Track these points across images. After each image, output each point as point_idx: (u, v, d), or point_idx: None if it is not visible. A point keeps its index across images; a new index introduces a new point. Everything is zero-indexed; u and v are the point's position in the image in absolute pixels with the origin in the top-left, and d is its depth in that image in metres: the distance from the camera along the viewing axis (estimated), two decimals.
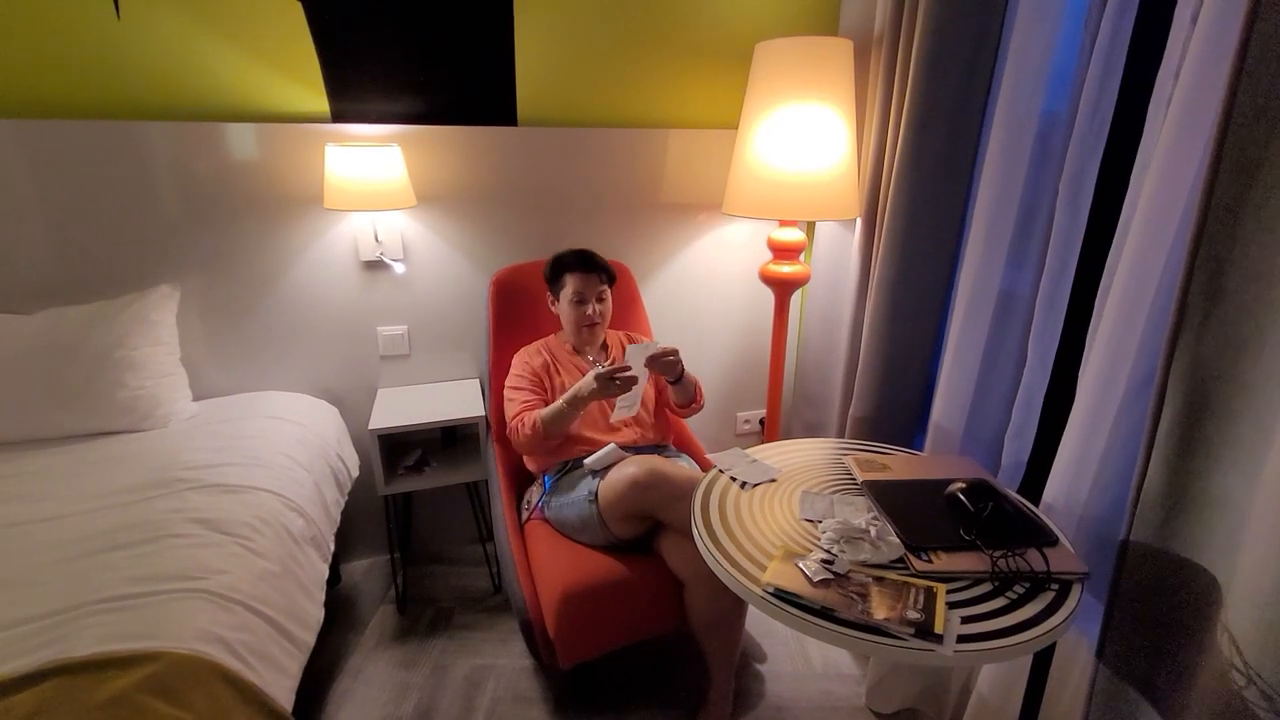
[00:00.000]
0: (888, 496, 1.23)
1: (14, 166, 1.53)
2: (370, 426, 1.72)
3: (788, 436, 2.31)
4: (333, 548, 1.51)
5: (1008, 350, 1.45)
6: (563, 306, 1.67)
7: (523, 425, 1.55)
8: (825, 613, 0.96)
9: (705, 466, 1.58)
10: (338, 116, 1.72)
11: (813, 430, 2.22)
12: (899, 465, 1.38)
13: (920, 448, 1.64)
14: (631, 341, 1.79)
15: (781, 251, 1.82)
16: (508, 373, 1.71)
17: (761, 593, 1.00)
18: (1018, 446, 1.39)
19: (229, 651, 0.99)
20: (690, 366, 1.65)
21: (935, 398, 1.56)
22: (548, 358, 1.68)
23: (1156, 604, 0.98)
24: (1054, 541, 1.10)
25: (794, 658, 1.72)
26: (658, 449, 1.69)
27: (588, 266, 1.64)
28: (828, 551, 1.08)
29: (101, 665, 0.88)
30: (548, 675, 1.65)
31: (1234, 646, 0.83)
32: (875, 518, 1.16)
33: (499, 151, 1.85)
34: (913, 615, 0.93)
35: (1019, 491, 1.34)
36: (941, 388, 1.53)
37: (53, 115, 1.55)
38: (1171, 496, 0.94)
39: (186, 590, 1.04)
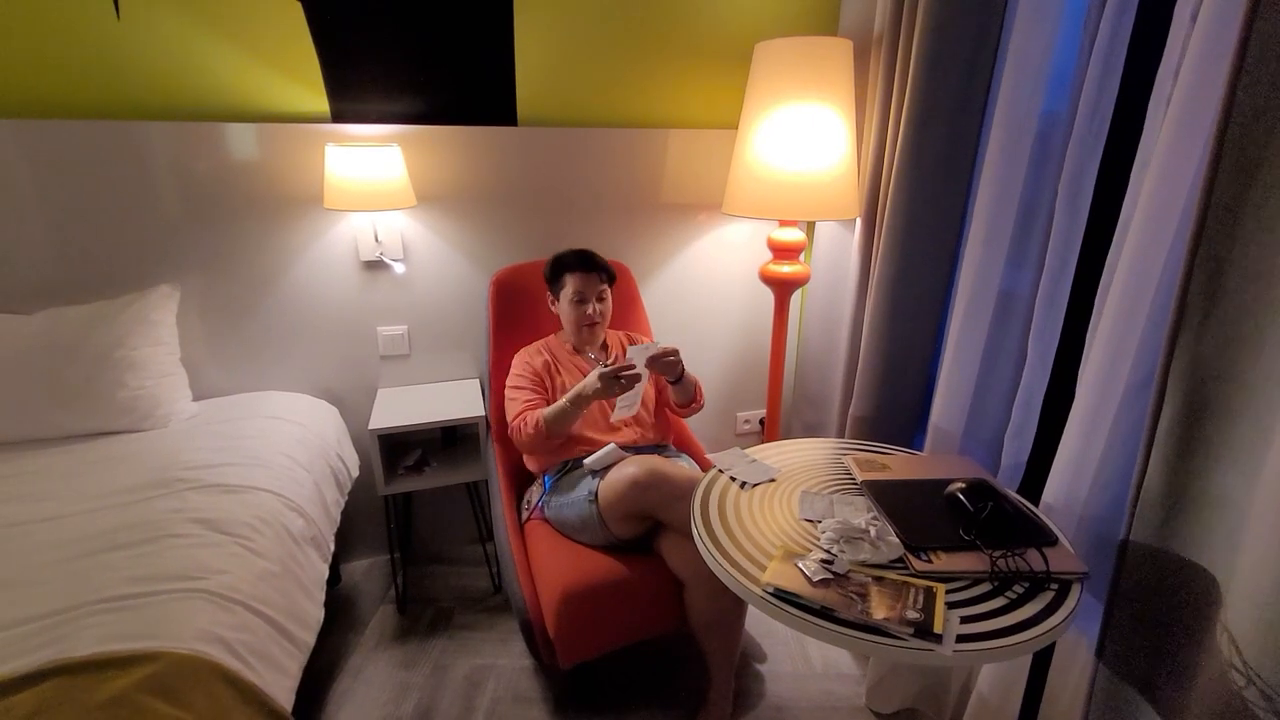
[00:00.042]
0: (887, 496, 1.23)
1: (14, 166, 1.53)
2: (370, 426, 1.72)
3: (788, 436, 2.31)
4: (333, 548, 1.51)
5: (1007, 350, 1.45)
6: (563, 306, 1.67)
7: (525, 424, 1.54)
8: (825, 612, 0.96)
9: (705, 466, 1.58)
10: (338, 116, 1.72)
11: (813, 430, 2.22)
12: (899, 465, 1.38)
13: (920, 447, 1.64)
14: (631, 342, 1.79)
15: (781, 251, 1.82)
16: (508, 373, 1.71)
17: (761, 593, 1.00)
18: (1017, 446, 1.39)
19: (229, 651, 0.99)
20: (690, 366, 1.65)
21: (935, 397, 1.56)
22: (548, 358, 1.68)
23: (1156, 604, 0.98)
24: (1053, 541, 1.10)
25: (794, 658, 1.72)
26: (658, 449, 1.69)
27: (588, 266, 1.64)
28: (827, 551, 1.08)
29: (101, 665, 0.88)
30: (548, 675, 1.65)
31: (1233, 646, 0.83)
32: (875, 518, 1.16)
33: (499, 151, 1.85)
34: (912, 615, 0.93)
35: (1019, 491, 1.34)
36: (941, 387, 1.53)
37: (53, 115, 1.55)
38: (1171, 496, 0.94)
39: (186, 590, 1.04)
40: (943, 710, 1.51)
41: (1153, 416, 0.94)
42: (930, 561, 1.06)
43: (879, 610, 0.95)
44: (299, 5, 1.61)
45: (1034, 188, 1.35)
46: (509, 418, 1.61)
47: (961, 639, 0.91)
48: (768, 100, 1.60)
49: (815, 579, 1.01)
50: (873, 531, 1.10)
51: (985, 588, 1.02)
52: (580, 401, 1.50)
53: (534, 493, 1.65)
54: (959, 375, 1.49)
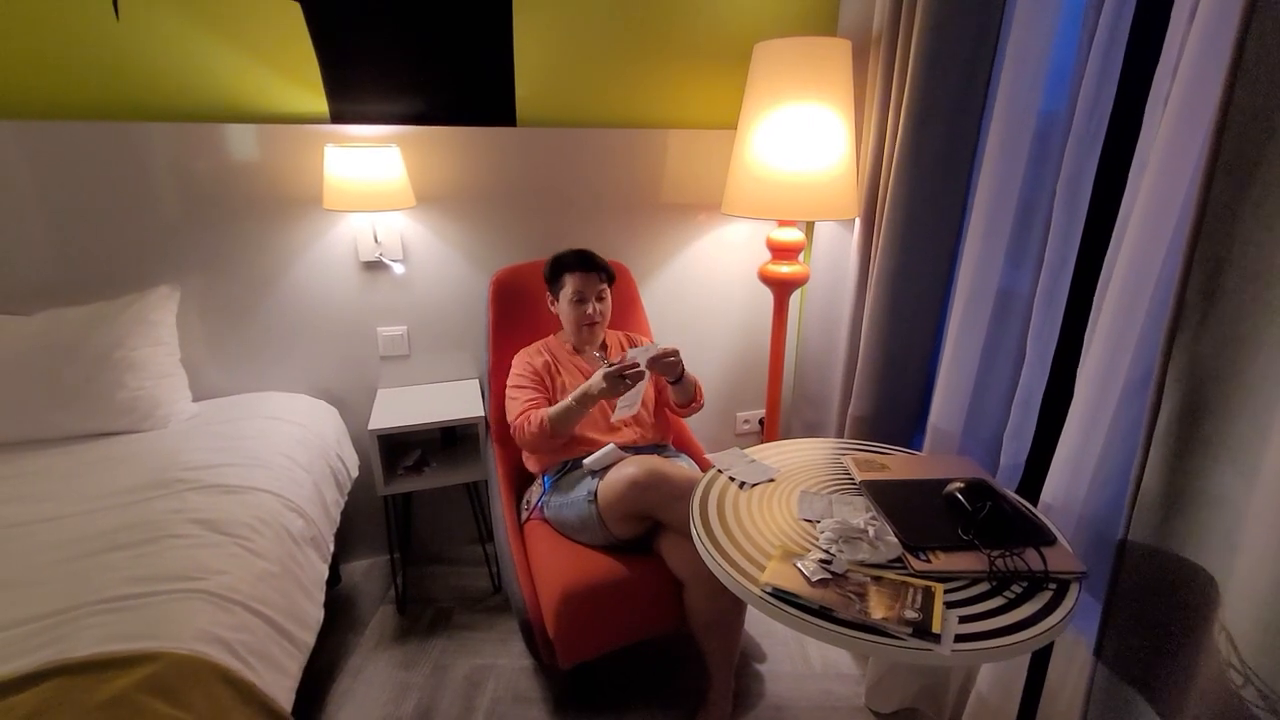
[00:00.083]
0: (886, 496, 1.23)
1: (14, 167, 1.54)
2: (370, 427, 1.72)
3: (787, 436, 2.31)
4: (332, 548, 1.51)
5: (1006, 349, 1.45)
6: (562, 306, 1.67)
7: (529, 423, 1.54)
8: (823, 612, 0.96)
9: (704, 466, 1.58)
10: (337, 117, 1.72)
11: (812, 430, 2.22)
12: (897, 465, 1.38)
13: (919, 447, 1.64)
14: (631, 342, 1.80)
15: (780, 251, 1.82)
16: (507, 373, 1.71)
17: (760, 592, 1.00)
18: (1016, 446, 1.39)
19: (228, 652, 0.99)
20: (690, 366, 1.65)
21: (934, 397, 1.56)
22: (548, 358, 1.69)
23: (1154, 603, 0.98)
24: (1052, 541, 1.10)
25: (793, 657, 1.73)
26: (657, 449, 1.69)
27: (587, 266, 1.64)
28: (826, 551, 1.08)
29: (101, 665, 0.88)
30: (547, 675, 1.65)
31: (1231, 645, 0.83)
32: (873, 517, 1.16)
33: (498, 152, 1.85)
34: (910, 615, 0.93)
35: (1017, 491, 1.34)
36: (940, 387, 1.53)
37: (52, 116, 1.55)
38: (1169, 495, 0.94)
39: (186, 591, 1.04)
40: (942, 710, 1.51)
41: (1151, 416, 0.94)
42: (929, 561, 1.06)
43: (877, 610, 0.95)
44: (298, 6, 1.61)
45: (1033, 187, 1.35)
46: (511, 417, 1.61)
47: (960, 638, 0.91)
48: (767, 100, 1.61)
49: (814, 579, 1.01)
50: (871, 531, 1.10)
51: (984, 587, 1.02)
52: (586, 400, 1.50)
53: (533, 493, 1.65)
54: (958, 375, 1.49)
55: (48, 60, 1.52)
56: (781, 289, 1.87)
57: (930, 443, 1.58)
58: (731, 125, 1.91)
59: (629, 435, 1.66)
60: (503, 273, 1.84)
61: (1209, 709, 0.86)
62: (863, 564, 1.05)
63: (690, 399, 1.71)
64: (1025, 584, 1.02)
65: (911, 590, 0.99)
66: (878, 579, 1.02)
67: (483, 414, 1.81)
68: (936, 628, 0.91)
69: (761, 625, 1.82)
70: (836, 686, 1.64)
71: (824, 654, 1.73)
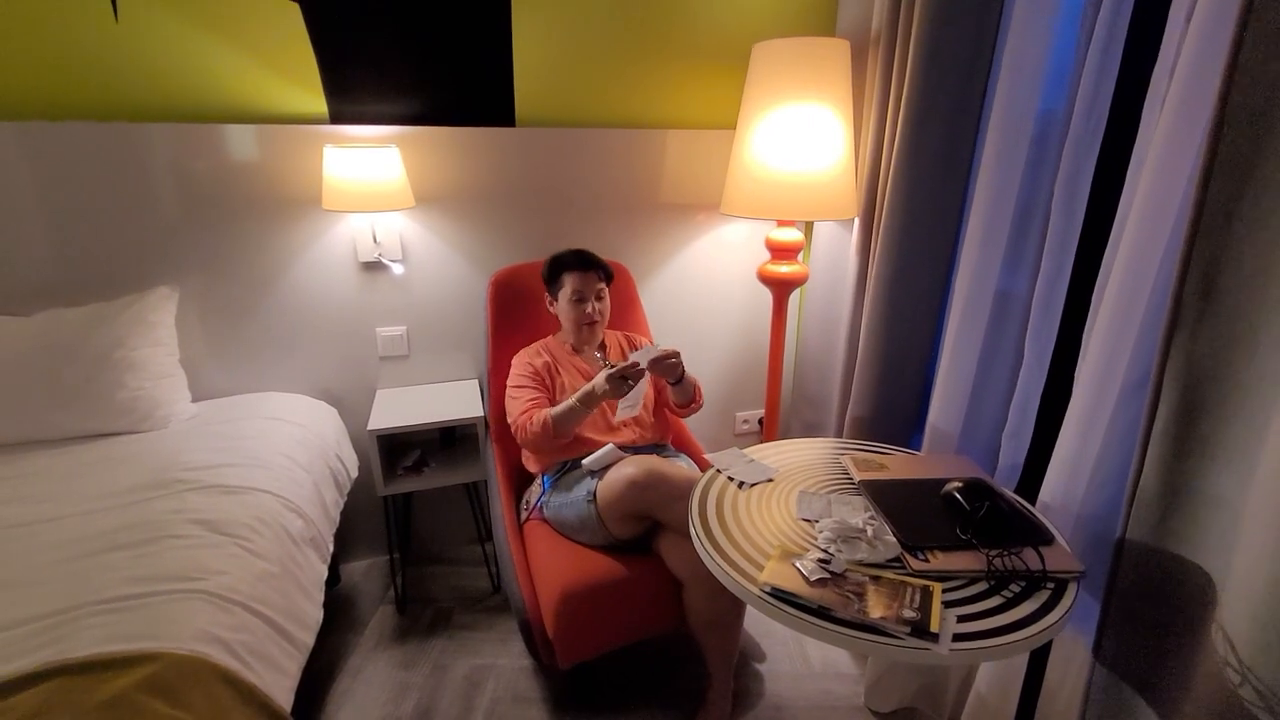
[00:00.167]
0: (885, 496, 1.23)
1: (13, 168, 1.54)
2: (369, 427, 1.72)
3: (786, 436, 2.31)
4: (332, 548, 1.51)
5: (1004, 350, 1.45)
6: (562, 306, 1.67)
7: (531, 422, 1.54)
8: (822, 612, 0.96)
9: (703, 466, 1.58)
10: (336, 118, 1.72)
11: (811, 430, 2.22)
12: (896, 465, 1.38)
13: (918, 447, 1.64)
14: (630, 342, 1.80)
15: (779, 251, 1.82)
16: (506, 373, 1.71)
17: (759, 592, 1.01)
18: (1014, 446, 1.39)
19: (228, 652, 0.99)
20: (689, 366, 1.65)
21: (932, 397, 1.56)
22: (548, 358, 1.69)
23: (1152, 602, 0.98)
24: (1050, 540, 1.10)
25: (793, 657, 1.73)
26: (656, 449, 1.69)
27: (586, 265, 1.64)
28: (825, 551, 1.08)
29: (101, 666, 0.88)
30: (547, 675, 1.65)
31: (1229, 644, 0.83)
32: (872, 517, 1.16)
33: (497, 152, 1.85)
34: (909, 614, 0.93)
35: (1016, 491, 1.34)
36: (939, 388, 1.54)
37: (52, 117, 1.55)
38: (1167, 495, 0.94)
39: (186, 591, 1.04)
40: (941, 709, 1.51)
41: (1149, 416, 0.95)
42: (927, 560, 1.06)
43: (876, 609, 0.95)
44: (296, 6, 1.61)
45: (1031, 188, 1.36)
46: (512, 416, 1.60)
47: (958, 638, 0.92)
48: (766, 100, 1.61)
49: (812, 578, 1.01)
50: (870, 531, 1.10)
51: (982, 586, 1.02)
52: (589, 401, 1.50)
53: (533, 493, 1.65)
54: (956, 375, 1.50)
55: (47, 61, 1.52)
56: (780, 289, 1.87)
57: (929, 442, 1.58)
58: (730, 125, 1.91)
59: (628, 435, 1.66)
60: (502, 273, 1.84)
61: (1206, 708, 0.86)
62: (861, 563, 1.06)
63: (690, 400, 1.71)
64: (1023, 583, 1.03)
65: (910, 589, 0.99)
66: (876, 578, 1.02)
67: (482, 414, 1.81)
68: (935, 627, 0.91)
69: (761, 625, 1.82)
70: (836, 686, 1.64)
71: (823, 653, 1.74)
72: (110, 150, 1.58)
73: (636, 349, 1.75)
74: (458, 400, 1.89)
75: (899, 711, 1.56)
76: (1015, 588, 1.02)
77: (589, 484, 1.49)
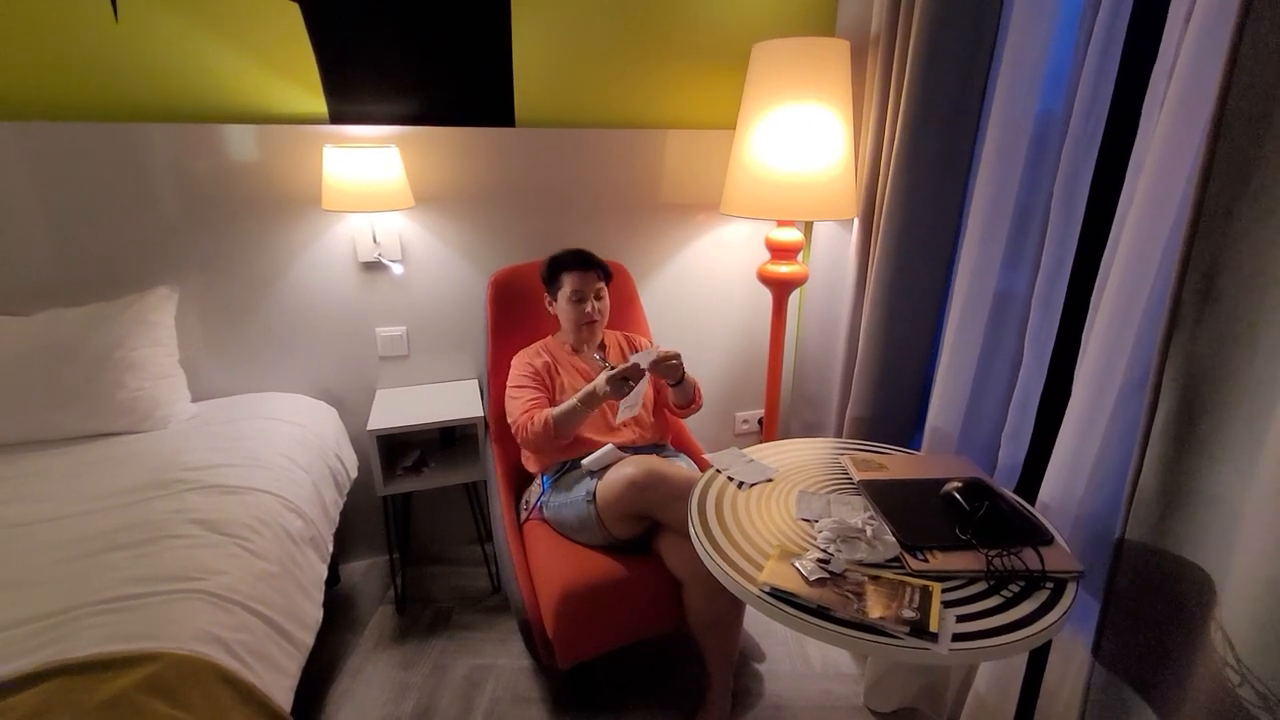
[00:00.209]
0: (884, 496, 1.23)
1: (13, 168, 1.54)
2: (369, 427, 1.72)
3: (786, 436, 2.31)
4: (331, 548, 1.51)
5: (1004, 350, 1.45)
6: (561, 305, 1.67)
7: (532, 422, 1.54)
8: (821, 612, 0.96)
9: (703, 466, 1.58)
10: (336, 118, 1.72)
11: (811, 430, 2.22)
12: (895, 465, 1.38)
13: (918, 447, 1.64)
14: (629, 343, 1.80)
15: (779, 251, 1.83)
16: (506, 373, 1.71)
17: (758, 592, 1.01)
18: (1014, 446, 1.39)
19: (228, 652, 0.99)
20: (689, 366, 1.66)
21: (932, 397, 1.56)
22: (548, 359, 1.69)
23: (1151, 602, 0.98)
24: (1049, 540, 1.10)
25: (793, 657, 1.73)
26: (656, 449, 1.69)
27: (585, 264, 1.64)
28: (824, 551, 1.08)
29: (101, 666, 0.88)
30: (547, 675, 1.66)
31: (1228, 644, 0.83)
32: (871, 517, 1.16)
33: (497, 152, 1.85)
34: (908, 614, 0.93)
35: (1015, 490, 1.34)
36: (938, 388, 1.54)
37: (52, 117, 1.55)
38: (1166, 495, 0.95)
39: (185, 591, 1.04)
40: (941, 709, 1.51)
41: (1148, 416, 0.95)
42: (926, 560, 1.06)
43: (875, 609, 0.95)
44: (296, 6, 1.62)
45: (1030, 188, 1.36)
46: (513, 416, 1.60)
47: (957, 637, 0.92)
48: (765, 101, 1.61)
49: (812, 578, 1.01)
50: (869, 531, 1.10)
51: (981, 586, 1.02)
52: (592, 401, 1.50)
53: (532, 493, 1.65)
54: (956, 375, 1.50)
55: (47, 61, 1.52)
56: (780, 289, 1.87)
57: (928, 442, 1.58)
58: (730, 125, 1.91)
59: (628, 435, 1.66)
60: (501, 273, 1.84)
61: (1206, 708, 0.86)
62: (860, 563, 1.06)
63: (690, 400, 1.71)
64: (1022, 583, 1.03)
65: (909, 589, 0.99)
66: (875, 578, 1.02)
67: (481, 414, 1.81)
68: (934, 627, 0.92)
69: (760, 625, 1.82)
70: (836, 686, 1.64)
71: (823, 653, 1.74)
72: (110, 150, 1.58)
73: (636, 349, 1.76)
74: (457, 400, 1.89)
75: (899, 711, 1.56)
76: (1014, 588, 1.02)
77: (588, 484, 1.49)
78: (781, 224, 1.82)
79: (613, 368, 1.50)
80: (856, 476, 1.32)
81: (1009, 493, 1.25)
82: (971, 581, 1.03)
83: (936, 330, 1.69)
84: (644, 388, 1.53)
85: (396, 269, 1.87)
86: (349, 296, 1.86)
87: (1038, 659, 1.15)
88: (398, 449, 1.92)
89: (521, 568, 1.48)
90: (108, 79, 1.56)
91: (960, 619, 0.95)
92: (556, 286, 1.67)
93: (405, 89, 1.75)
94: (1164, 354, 0.92)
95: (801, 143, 1.59)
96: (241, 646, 1.02)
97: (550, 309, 1.72)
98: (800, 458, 1.44)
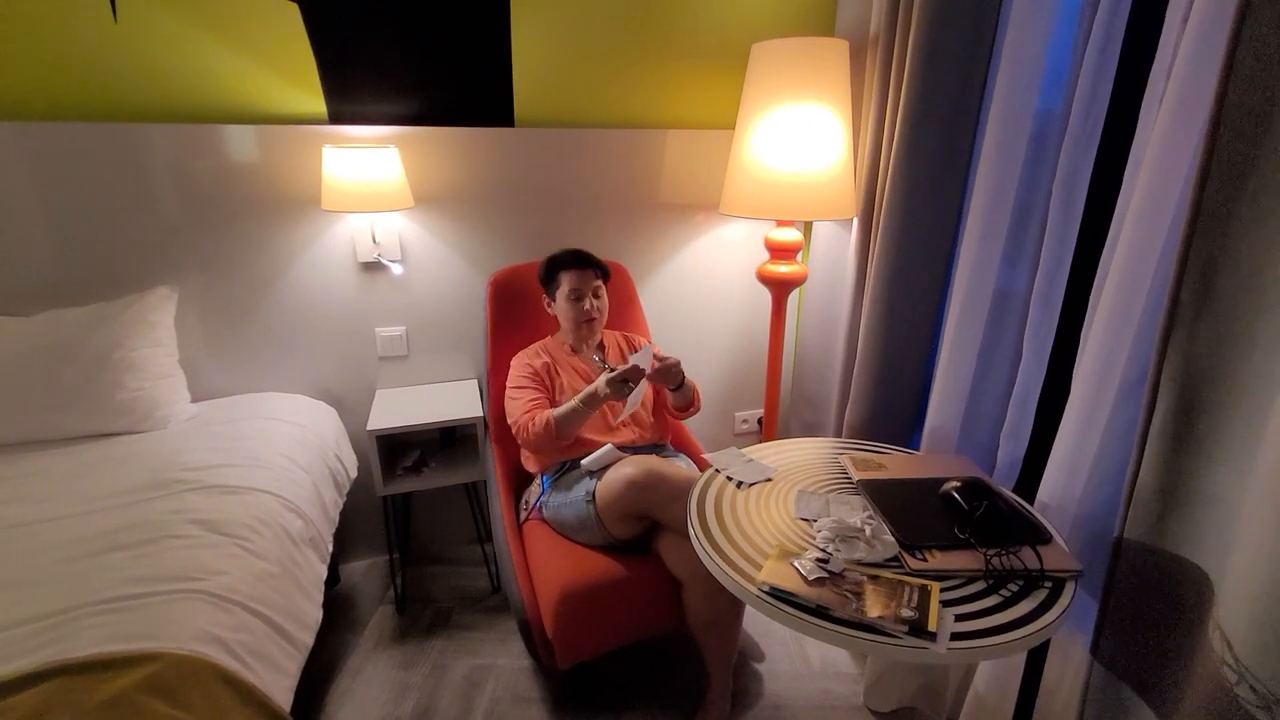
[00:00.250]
0: (883, 495, 1.23)
1: (13, 168, 1.54)
2: (369, 427, 1.72)
3: (786, 436, 2.31)
4: (331, 548, 1.51)
5: (1003, 349, 1.46)
6: (560, 305, 1.67)
7: (533, 423, 1.54)
8: (820, 611, 0.96)
9: (702, 466, 1.58)
10: (335, 118, 1.73)
11: (811, 430, 2.22)
12: (895, 464, 1.38)
13: (917, 447, 1.64)
14: (628, 342, 1.80)
15: (779, 251, 1.83)
16: (505, 374, 1.71)
17: (757, 592, 1.01)
18: (1013, 445, 1.39)
19: (227, 652, 0.99)
20: (688, 366, 1.66)
21: (931, 396, 1.56)
22: (547, 359, 1.69)
23: (1150, 601, 0.98)
24: (1048, 539, 1.10)
25: (792, 657, 1.73)
26: (656, 449, 1.69)
27: (582, 263, 1.65)
28: (823, 550, 1.09)
29: (101, 666, 0.88)
30: (546, 675, 1.66)
31: (1226, 643, 0.83)
32: (870, 516, 1.16)
33: (496, 152, 1.85)
34: (907, 613, 0.93)
35: (1014, 489, 1.35)
36: (938, 385, 1.54)
37: (51, 117, 1.55)
38: (1165, 494, 0.95)
39: (185, 591, 1.04)
40: (940, 708, 1.51)
41: (1146, 415, 0.95)
42: (925, 560, 1.06)
43: (874, 608, 0.95)
44: (295, 7, 1.62)
45: (1029, 186, 1.36)
46: (514, 416, 1.60)
47: (956, 636, 0.92)
48: (765, 100, 1.61)
49: (811, 578, 1.01)
50: (868, 530, 1.10)
51: (980, 586, 1.02)
52: (593, 402, 1.50)
53: (532, 493, 1.65)
54: (955, 374, 1.50)
55: (46, 62, 1.52)
56: (780, 289, 1.87)
57: (927, 442, 1.58)
58: (729, 125, 1.91)
59: (627, 435, 1.66)
60: (501, 273, 1.84)
61: (1204, 707, 0.86)
62: (859, 563, 1.06)
63: (689, 404, 1.71)
64: (1021, 582, 1.03)
65: (908, 589, 0.99)
66: (874, 577, 1.02)
67: (481, 414, 1.81)
68: (932, 626, 0.92)
69: (760, 624, 1.82)
70: (835, 685, 1.64)
71: (823, 653, 1.74)
72: (110, 150, 1.58)
73: (635, 350, 1.76)
74: (457, 400, 1.89)
75: (898, 711, 1.56)
76: (1013, 587, 1.02)
77: (588, 484, 1.50)
78: (781, 224, 1.82)
79: (612, 369, 1.50)
80: (855, 476, 1.32)
81: (1008, 492, 1.25)
82: (970, 581, 1.03)
83: (936, 329, 1.69)
84: (644, 387, 1.53)
85: (396, 269, 1.88)
86: (349, 296, 1.86)
87: (1036, 658, 1.15)
88: (398, 449, 1.92)
89: (521, 568, 1.48)
90: (107, 79, 1.56)
91: (959, 618, 0.95)
92: (555, 286, 1.67)
93: (405, 89, 1.76)
94: (1162, 353, 0.92)
95: (801, 142, 1.59)
96: (241, 646, 1.02)
97: (549, 310, 1.72)
98: (799, 457, 1.44)
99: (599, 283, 1.68)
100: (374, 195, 1.62)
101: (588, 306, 1.64)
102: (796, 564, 1.04)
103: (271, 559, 1.21)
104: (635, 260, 2.07)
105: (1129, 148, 1.09)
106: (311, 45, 1.66)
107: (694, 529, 1.18)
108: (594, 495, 1.46)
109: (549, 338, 1.77)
